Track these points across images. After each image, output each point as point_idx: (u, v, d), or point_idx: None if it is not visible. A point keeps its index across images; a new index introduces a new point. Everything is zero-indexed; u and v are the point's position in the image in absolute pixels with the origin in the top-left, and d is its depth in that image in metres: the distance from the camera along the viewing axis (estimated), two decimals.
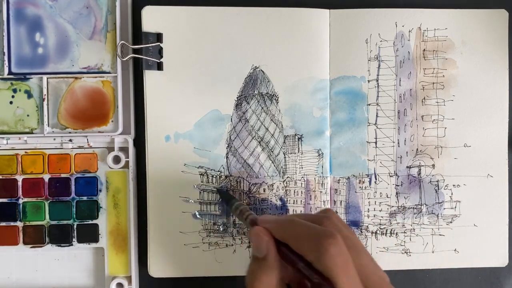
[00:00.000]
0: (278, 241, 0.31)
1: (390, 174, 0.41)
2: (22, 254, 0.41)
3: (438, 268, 0.42)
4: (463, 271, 0.42)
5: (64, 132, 0.40)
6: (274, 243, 0.31)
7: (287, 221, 0.32)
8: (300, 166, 0.41)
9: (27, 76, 0.40)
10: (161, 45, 0.40)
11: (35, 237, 0.40)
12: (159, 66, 0.40)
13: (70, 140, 0.40)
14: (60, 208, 0.40)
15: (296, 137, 0.41)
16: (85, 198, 0.40)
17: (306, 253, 0.29)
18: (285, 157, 0.41)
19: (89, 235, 0.40)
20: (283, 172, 0.41)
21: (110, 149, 0.41)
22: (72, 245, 0.40)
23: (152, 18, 0.40)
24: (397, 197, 0.42)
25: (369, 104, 0.41)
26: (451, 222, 0.42)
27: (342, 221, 0.34)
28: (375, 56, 0.41)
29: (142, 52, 0.39)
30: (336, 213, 0.34)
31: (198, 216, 0.40)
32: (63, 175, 0.40)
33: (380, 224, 0.41)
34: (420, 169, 0.42)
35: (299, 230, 0.30)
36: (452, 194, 0.42)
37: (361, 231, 0.41)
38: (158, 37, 0.40)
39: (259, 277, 0.30)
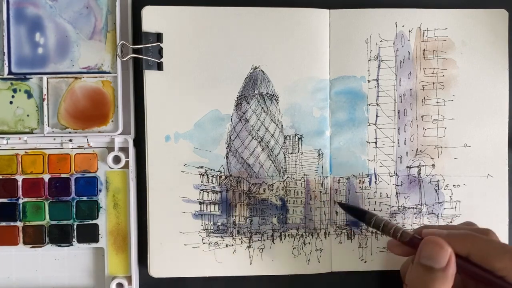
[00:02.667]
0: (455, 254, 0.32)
1: (390, 174, 0.41)
2: (22, 254, 0.41)
3: None
4: None
5: (64, 132, 0.40)
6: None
7: (468, 235, 0.32)
8: (300, 166, 0.41)
9: (27, 76, 0.40)
10: (161, 45, 0.40)
11: (35, 237, 0.40)
12: (159, 66, 0.40)
13: (70, 140, 0.40)
14: (60, 208, 0.40)
15: (296, 137, 0.41)
16: (85, 198, 0.40)
17: (497, 269, 0.31)
18: (285, 157, 0.41)
19: (89, 235, 0.40)
20: (283, 172, 0.41)
21: (110, 149, 0.41)
22: (72, 245, 0.40)
23: (152, 18, 0.40)
24: (397, 197, 0.42)
25: (369, 104, 0.41)
26: (451, 222, 0.42)
27: None
28: (375, 56, 0.41)
29: (142, 52, 0.39)
30: None
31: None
32: (63, 175, 0.40)
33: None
34: (420, 169, 0.42)
35: (486, 245, 0.31)
36: (452, 194, 0.42)
37: (361, 231, 0.41)
38: (158, 37, 0.40)
39: (433, 287, 0.31)
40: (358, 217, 0.37)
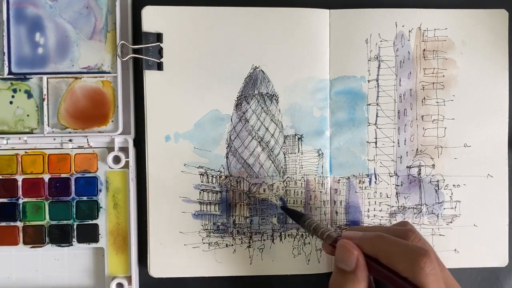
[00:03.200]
0: (366, 255, 0.32)
1: (390, 174, 0.41)
2: (22, 254, 0.41)
3: None
4: (463, 271, 0.42)
5: (64, 132, 0.40)
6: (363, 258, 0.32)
7: (377, 236, 0.33)
8: (300, 166, 0.41)
9: (27, 76, 0.40)
10: (161, 45, 0.40)
11: (35, 237, 0.40)
12: (159, 66, 0.40)
13: (70, 140, 0.40)
14: (60, 208, 0.40)
15: (296, 137, 0.41)
16: (85, 198, 0.40)
17: (400, 270, 0.30)
18: (285, 157, 0.41)
19: (89, 235, 0.40)
20: (283, 172, 0.41)
21: (110, 149, 0.41)
22: (72, 245, 0.40)
23: (152, 18, 0.40)
24: (397, 197, 0.42)
25: (369, 104, 0.41)
26: (451, 222, 0.42)
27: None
28: (375, 56, 0.41)
29: (142, 52, 0.39)
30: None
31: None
32: (63, 175, 0.40)
33: (380, 224, 0.41)
34: (420, 169, 0.42)
35: (390, 246, 0.31)
36: (452, 194, 0.42)
37: None
38: (158, 37, 0.40)
39: None
40: (295, 219, 0.39)
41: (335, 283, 0.33)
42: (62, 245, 0.41)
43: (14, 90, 0.40)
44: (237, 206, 0.41)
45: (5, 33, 0.40)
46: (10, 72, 0.40)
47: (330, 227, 0.37)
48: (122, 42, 0.39)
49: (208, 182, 0.41)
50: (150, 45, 0.39)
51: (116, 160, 0.40)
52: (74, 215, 0.40)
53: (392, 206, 0.41)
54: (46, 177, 0.40)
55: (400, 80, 0.41)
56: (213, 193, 0.41)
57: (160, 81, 0.40)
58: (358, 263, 0.32)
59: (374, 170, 0.41)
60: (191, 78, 0.40)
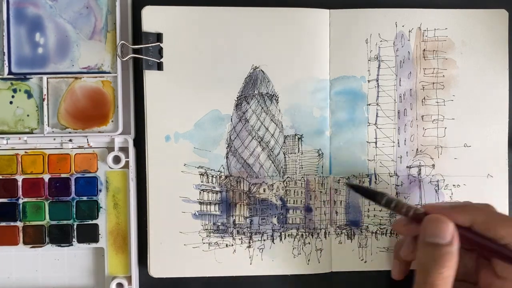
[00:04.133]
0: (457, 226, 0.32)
1: (390, 174, 0.41)
2: (22, 254, 0.41)
3: None
4: None
5: (64, 132, 0.40)
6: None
7: (471, 206, 0.33)
8: (300, 166, 0.41)
9: (27, 76, 0.40)
10: (161, 45, 0.40)
11: (35, 237, 0.40)
12: (159, 66, 0.40)
13: (70, 140, 0.40)
14: (60, 208, 0.40)
15: (296, 137, 0.41)
16: (85, 198, 0.40)
17: (502, 236, 0.31)
18: (285, 157, 0.41)
19: (89, 235, 0.40)
20: (283, 172, 0.41)
21: (110, 149, 0.41)
22: (72, 245, 0.40)
23: (152, 18, 0.40)
24: (397, 197, 0.41)
25: (369, 104, 0.41)
26: None
27: None
28: (375, 56, 0.41)
29: (142, 52, 0.39)
30: None
31: None
32: (63, 175, 0.40)
33: (380, 224, 0.41)
34: (420, 169, 0.42)
35: (488, 214, 0.32)
36: (452, 194, 0.42)
37: (361, 231, 0.41)
38: (158, 37, 0.40)
39: (442, 263, 0.31)
40: (370, 197, 0.36)
41: (426, 259, 0.32)
42: (62, 245, 0.41)
43: (14, 90, 0.40)
44: (237, 206, 0.41)
45: (5, 33, 0.40)
46: (10, 72, 0.40)
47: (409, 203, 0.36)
48: (122, 42, 0.39)
49: (208, 182, 0.41)
50: (150, 45, 0.39)
51: (116, 160, 0.40)
52: (74, 215, 0.40)
53: None
54: (46, 177, 0.40)
55: (400, 80, 0.41)
56: (213, 193, 0.41)
57: (160, 81, 0.40)
58: (454, 234, 0.32)
59: (374, 170, 0.41)
60: (191, 78, 0.40)
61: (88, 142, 0.40)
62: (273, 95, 0.41)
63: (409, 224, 0.34)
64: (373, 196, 0.35)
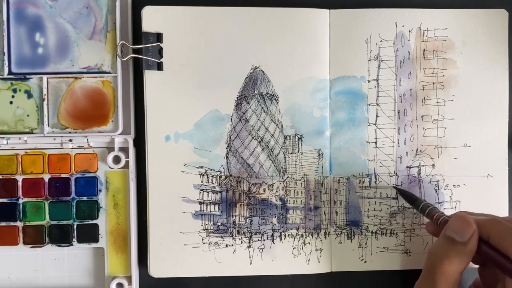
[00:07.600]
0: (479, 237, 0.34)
1: (390, 174, 0.41)
2: (22, 254, 0.41)
3: None
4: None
5: (64, 132, 0.40)
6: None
7: (492, 220, 0.34)
8: (300, 166, 0.41)
9: (27, 76, 0.40)
10: (161, 45, 0.40)
11: (35, 237, 0.40)
12: (159, 66, 0.40)
13: (70, 140, 0.40)
14: (60, 208, 0.40)
15: (296, 137, 0.41)
16: (85, 198, 0.40)
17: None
18: (285, 157, 0.41)
19: (89, 235, 0.40)
20: (283, 172, 0.41)
21: (110, 149, 0.41)
22: (72, 245, 0.40)
23: (152, 18, 0.40)
24: (397, 197, 0.41)
25: (369, 104, 0.41)
26: None
27: None
28: (375, 56, 0.41)
29: (142, 52, 0.39)
30: None
31: None
32: (63, 175, 0.40)
33: (380, 224, 0.41)
34: (420, 169, 0.42)
35: (506, 230, 0.33)
36: (452, 194, 0.42)
37: (361, 231, 0.41)
38: (158, 37, 0.40)
39: (451, 258, 0.33)
40: (409, 201, 0.40)
41: (440, 250, 0.34)
42: (62, 245, 0.41)
43: (14, 90, 0.40)
44: (237, 206, 0.41)
45: (5, 33, 0.40)
46: (10, 72, 0.40)
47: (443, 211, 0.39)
48: (122, 42, 0.39)
49: (208, 182, 0.41)
50: (150, 45, 0.39)
51: (116, 160, 0.40)
52: (74, 215, 0.40)
53: (392, 206, 0.41)
54: (46, 177, 0.40)
55: (400, 80, 0.41)
56: (213, 193, 0.41)
57: (160, 81, 0.40)
58: (472, 237, 0.33)
59: (374, 170, 0.41)
60: (191, 78, 0.40)
61: (88, 142, 0.40)
62: (273, 95, 0.41)
63: (438, 228, 0.37)
64: (413, 201, 0.40)
